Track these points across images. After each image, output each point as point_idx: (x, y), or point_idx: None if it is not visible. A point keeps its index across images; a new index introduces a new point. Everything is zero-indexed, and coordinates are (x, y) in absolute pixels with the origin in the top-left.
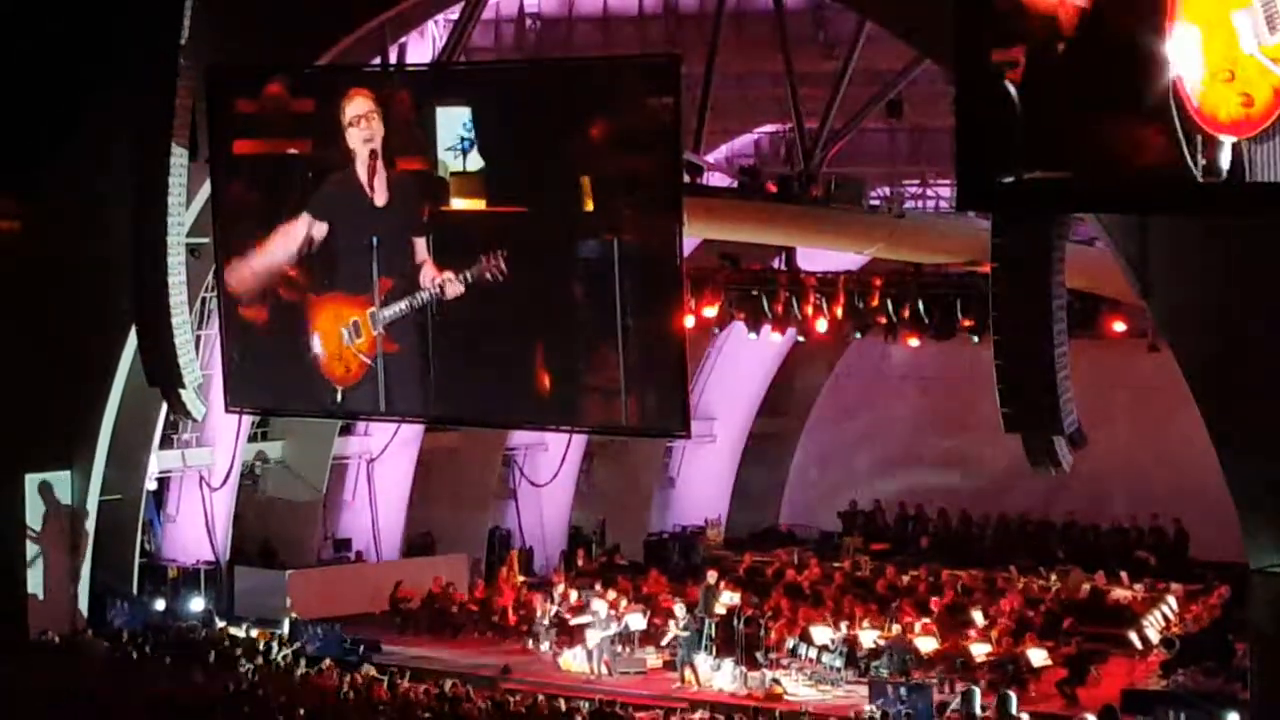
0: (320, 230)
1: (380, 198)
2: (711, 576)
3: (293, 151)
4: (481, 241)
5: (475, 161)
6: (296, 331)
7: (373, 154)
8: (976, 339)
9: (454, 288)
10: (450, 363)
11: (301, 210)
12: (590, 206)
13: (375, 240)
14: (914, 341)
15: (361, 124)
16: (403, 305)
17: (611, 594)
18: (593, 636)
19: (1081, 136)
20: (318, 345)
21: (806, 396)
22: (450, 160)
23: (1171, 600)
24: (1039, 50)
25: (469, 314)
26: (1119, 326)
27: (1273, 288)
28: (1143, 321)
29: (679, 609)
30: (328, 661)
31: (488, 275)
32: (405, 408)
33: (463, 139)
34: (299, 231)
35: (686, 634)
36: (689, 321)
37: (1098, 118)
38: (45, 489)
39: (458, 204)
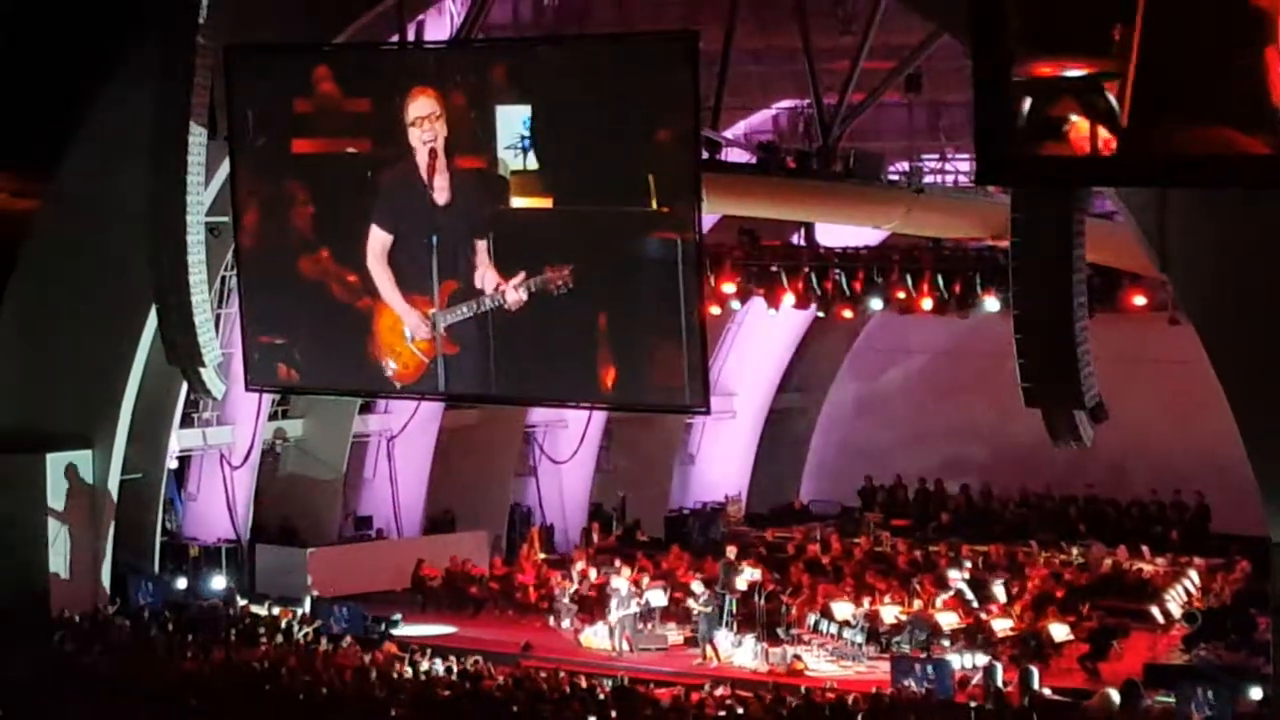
0: (387, 240)
1: (441, 196)
2: (731, 552)
3: (351, 150)
4: (545, 249)
5: (535, 160)
6: (351, 325)
7: (433, 153)
8: (997, 310)
9: (516, 296)
10: (511, 362)
11: (368, 220)
12: (655, 205)
13: (435, 240)
14: (934, 316)
15: (425, 125)
16: (464, 309)
17: (627, 571)
18: (614, 613)
19: (1173, 147)
20: (378, 340)
21: (826, 372)
22: (510, 159)
23: (1193, 574)
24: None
25: (531, 319)
26: (1139, 300)
27: None
28: (1163, 295)
29: (697, 585)
30: (349, 639)
31: (552, 288)
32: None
33: (523, 137)
34: (375, 243)
35: (708, 610)
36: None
37: (1195, 130)
38: (67, 469)
39: (518, 203)
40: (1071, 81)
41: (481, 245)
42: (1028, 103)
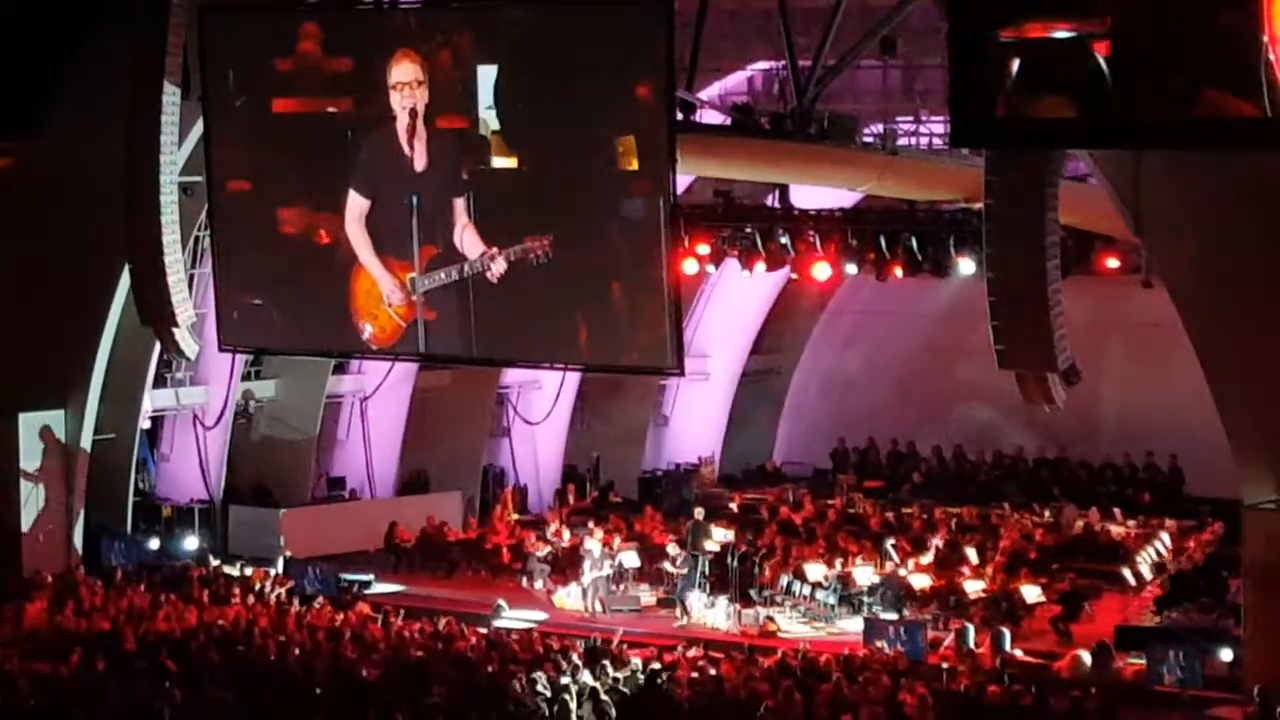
0: (365, 205)
1: (420, 161)
2: (699, 514)
3: (332, 110)
4: (523, 208)
5: (509, 120)
6: (329, 286)
7: (413, 113)
8: (971, 275)
9: (498, 265)
10: (489, 327)
11: (347, 186)
12: (635, 165)
13: (415, 201)
14: (907, 279)
15: (406, 90)
16: (442, 275)
17: (600, 532)
18: (587, 575)
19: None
20: (355, 303)
21: (800, 334)
22: (491, 119)
23: (1165, 536)
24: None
25: (509, 285)
26: (1112, 263)
27: (1266, 222)
28: (1136, 258)
29: (673, 548)
30: (321, 600)
31: (531, 258)
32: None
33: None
34: (353, 207)
35: (684, 572)
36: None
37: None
38: (40, 429)
39: (499, 163)
40: (1060, 42)
41: (459, 204)
42: (1016, 63)
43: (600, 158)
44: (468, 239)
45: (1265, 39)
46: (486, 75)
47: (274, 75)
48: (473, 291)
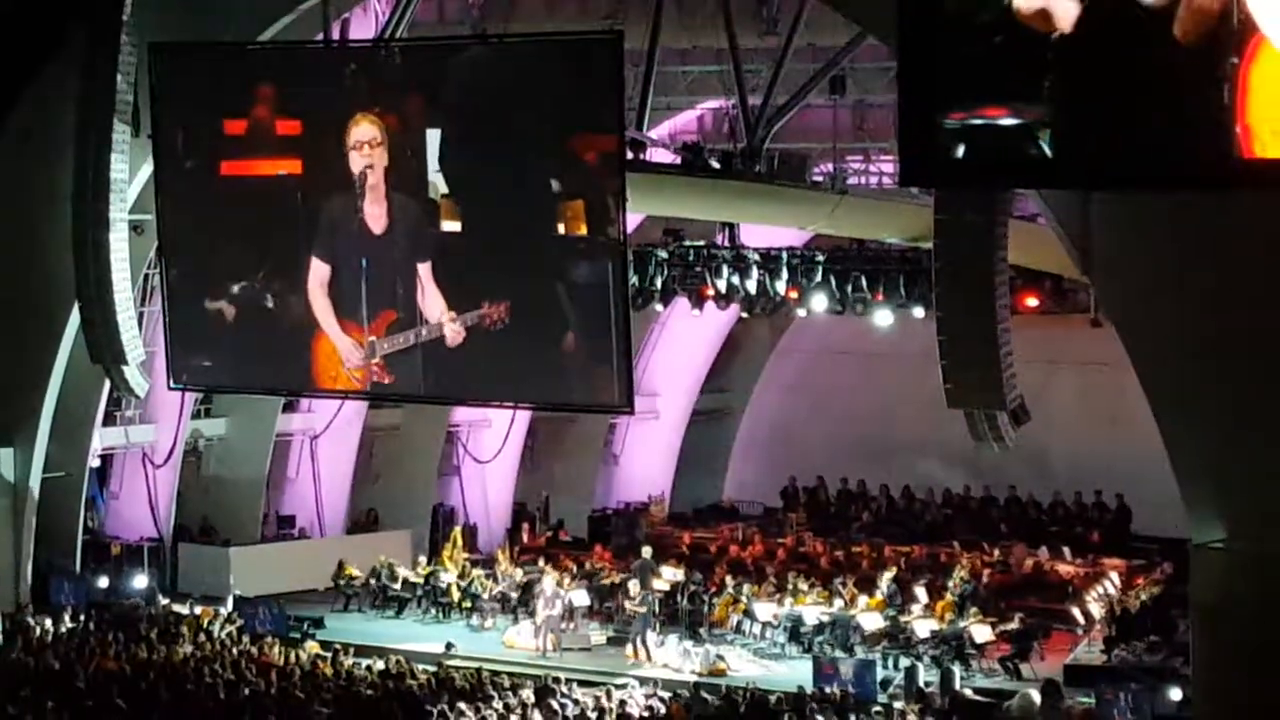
0: (326, 271)
1: (378, 224)
2: (646, 552)
3: (283, 173)
4: (479, 271)
5: (457, 182)
6: (284, 350)
7: (368, 176)
8: (920, 314)
9: (454, 330)
10: (443, 379)
11: (297, 249)
12: (584, 230)
13: (372, 268)
14: (857, 317)
15: (365, 150)
16: (401, 340)
17: (551, 570)
18: (540, 613)
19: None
20: (316, 367)
21: (750, 372)
22: (440, 182)
23: (1114, 575)
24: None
25: (465, 349)
26: (1061, 302)
27: (1214, 262)
28: (1085, 297)
29: (633, 584)
30: (271, 639)
31: (487, 323)
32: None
33: (442, 159)
34: (315, 274)
35: (642, 610)
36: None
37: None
38: None
39: (447, 226)
40: (1005, 129)
41: (424, 270)
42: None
43: (547, 222)
44: (430, 303)
45: (1237, 129)
46: (435, 138)
47: (224, 137)
48: (430, 354)
